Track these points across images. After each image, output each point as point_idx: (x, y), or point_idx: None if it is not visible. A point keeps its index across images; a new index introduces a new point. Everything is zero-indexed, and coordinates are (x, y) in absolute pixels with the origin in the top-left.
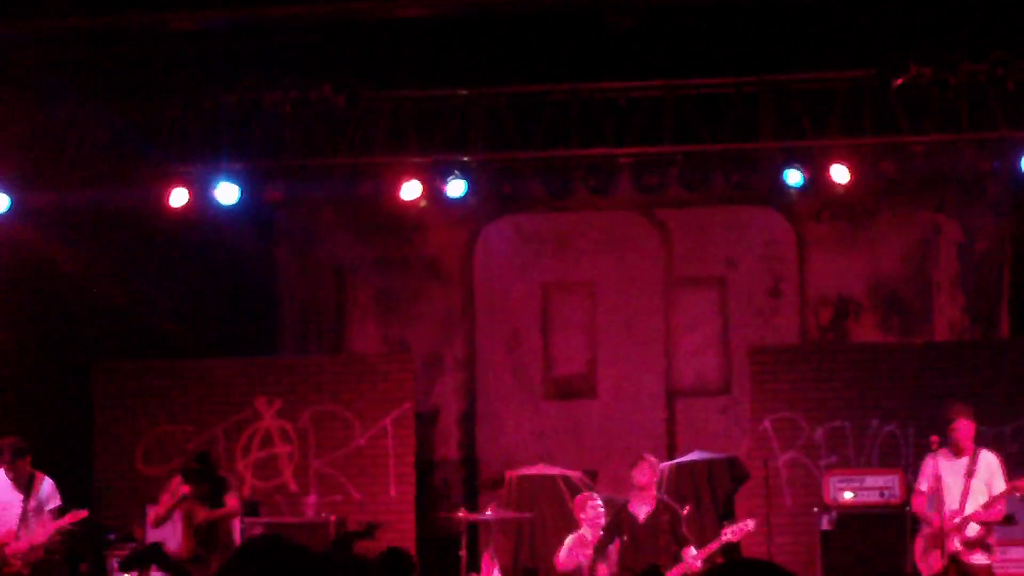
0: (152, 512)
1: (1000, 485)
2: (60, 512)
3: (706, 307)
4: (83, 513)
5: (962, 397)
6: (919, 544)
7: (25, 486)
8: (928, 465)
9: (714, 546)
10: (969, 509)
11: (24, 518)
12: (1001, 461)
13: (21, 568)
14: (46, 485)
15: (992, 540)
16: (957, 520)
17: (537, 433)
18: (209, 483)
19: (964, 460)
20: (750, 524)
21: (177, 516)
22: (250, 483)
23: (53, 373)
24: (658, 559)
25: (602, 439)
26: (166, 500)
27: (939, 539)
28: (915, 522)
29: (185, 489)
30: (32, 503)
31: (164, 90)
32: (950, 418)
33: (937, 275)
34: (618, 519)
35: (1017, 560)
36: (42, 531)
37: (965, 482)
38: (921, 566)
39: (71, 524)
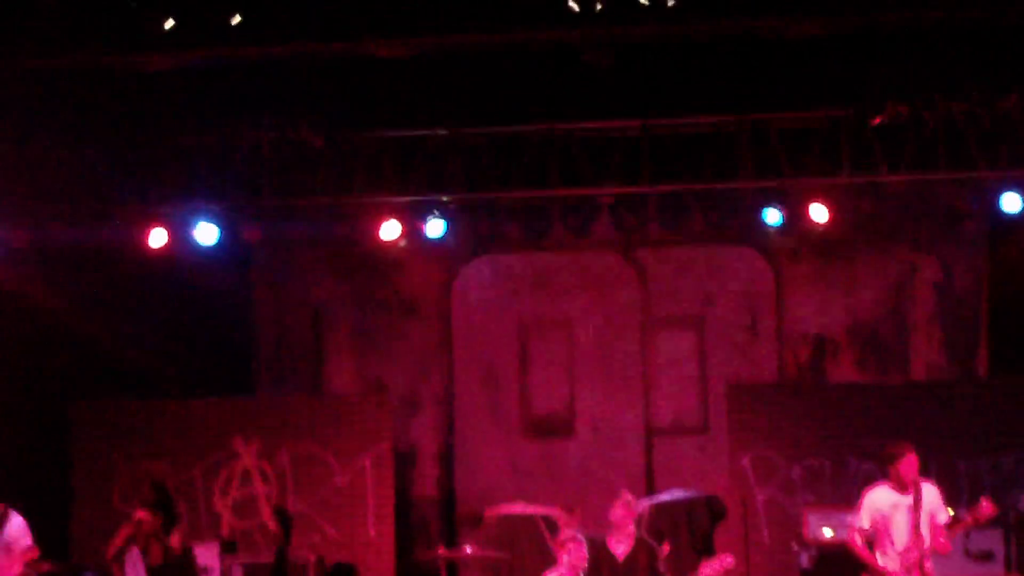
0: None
1: (943, 515)
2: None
3: (684, 346)
4: (33, 553)
5: (939, 435)
6: None
7: None
8: (868, 502)
9: None
10: (924, 544)
11: None
12: (940, 492)
13: None
14: (16, 523)
15: None
16: (914, 556)
17: (515, 471)
18: (164, 514)
19: (909, 495)
20: (728, 560)
21: (138, 556)
22: (228, 522)
23: (30, 412)
24: None
25: (580, 477)
26: (123, 531)
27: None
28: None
29: (141, 515)
30: (1, 542)
31: (142, 130)
32: (895, 453)
33: (915, 313)
34: (596, 558)
35: None
36: (8, 572)
37: (913, 517)
38: None
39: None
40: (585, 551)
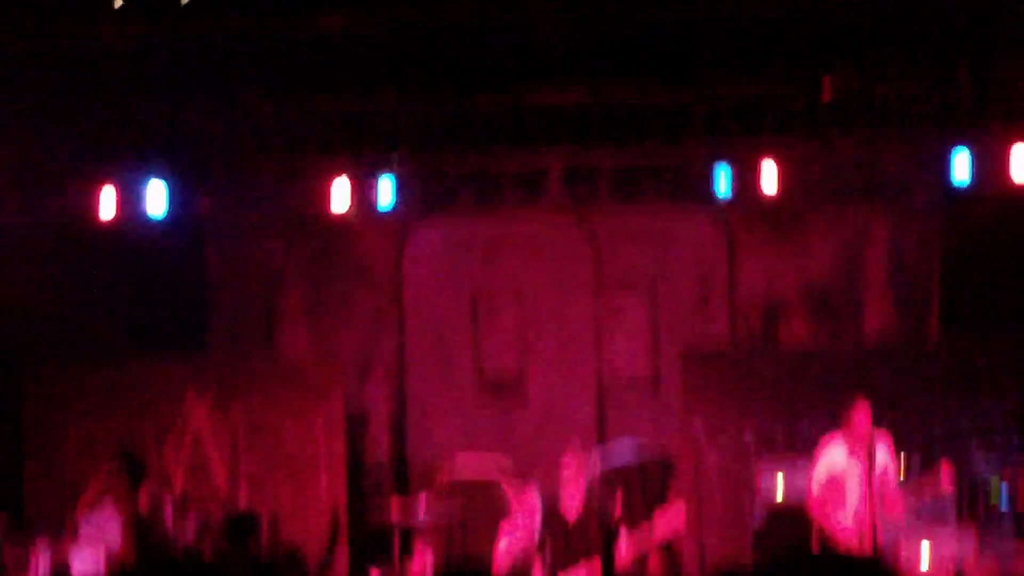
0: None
1: (894, 477)
2: None
3: (636, 313)
4: None
5: (892, 399)
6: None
7: None
8: (824, 459)
9: (646, 543)
10: (877, 509)
11: None
12: (891, 448)
13: None
14: None
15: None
16: (865, 520)
17: (468, 436)
18: (130, 473)
19: (863, 456)
20: (680, 514)
21: (109, 515)
22: (181, 484)
23: None
24: (590, 556)
25: (534, 442)
26: (91, 489)
27: (847, 534)
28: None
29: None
30: None
31: (93, 100)
32: (847, 409)
33: (867, 278)
34: (548, 521)
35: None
36: None
37: (865, 479)
38: None
39: None
40: (537, 503)
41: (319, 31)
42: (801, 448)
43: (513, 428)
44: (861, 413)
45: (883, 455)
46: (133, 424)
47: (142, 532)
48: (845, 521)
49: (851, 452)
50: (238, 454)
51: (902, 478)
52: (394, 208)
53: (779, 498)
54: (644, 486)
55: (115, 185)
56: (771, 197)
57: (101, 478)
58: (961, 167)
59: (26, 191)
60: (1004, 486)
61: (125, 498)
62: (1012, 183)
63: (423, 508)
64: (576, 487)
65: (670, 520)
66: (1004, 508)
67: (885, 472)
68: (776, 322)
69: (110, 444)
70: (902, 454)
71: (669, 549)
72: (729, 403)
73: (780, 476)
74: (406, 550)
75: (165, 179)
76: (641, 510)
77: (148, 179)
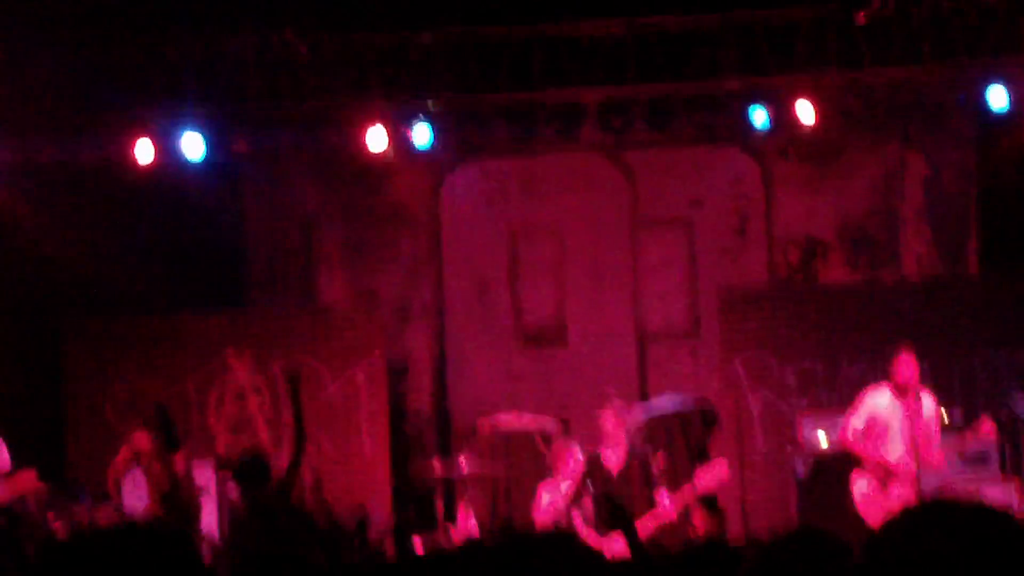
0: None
1: (935, 429)
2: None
3: (673, 249)
4: (30, 473)
5: (930, 334)
6: (860, 486)
7: None
8: (869, 402)
9: (688, 494)
10: (920, 455)
11: None
12: (936, 403)
13: None
14: None
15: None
16: (910, 469)
17: (508, 380)
18: (165, 435)
19: (907, 400)
20: (722, 466)
21: (141, 478)
22: (223, 437)
23: (20, 332)
24: (632, 508)
25: (573, 384)
26: (124, 453)
27: (889, 485)
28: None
29: (139, 435)
30: None
31: (125, 40)
32: (892, 354)
33: (904, 210)
34: (591, 470)
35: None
36: None
37: (909, 426)
38: (866, 512)
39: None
40: (580, 459)
41: None
42: (842, 388)
43: (552, 372)
44: (905, 359)
45: (927, 402)
46: (173, 382)
47: (176, 494)
48: (886, 467)
49: (895, 398)
50: (280, 409)
51: (946, 421)
52: (430, 148)
53: (823, 445)
54: (686, 436)
55: (151, 130)
56: (807, 129)
57: (133, 441)
58: (998, 95)
59: (62, 139)
60: None
61: (158, 460)
62: None
63: (465, 463)
64: (616, 440)
65: (713, 474)
66: None
67: (928, 420)
68: (814, 258)
69: (150, 403)
70: (942, 404)
71: (712, 500)
72: (768, 341)
73: (821, 419)
74: (449, 504)
75: (201, 123)
76: (684, 461)
77: (184, 124)
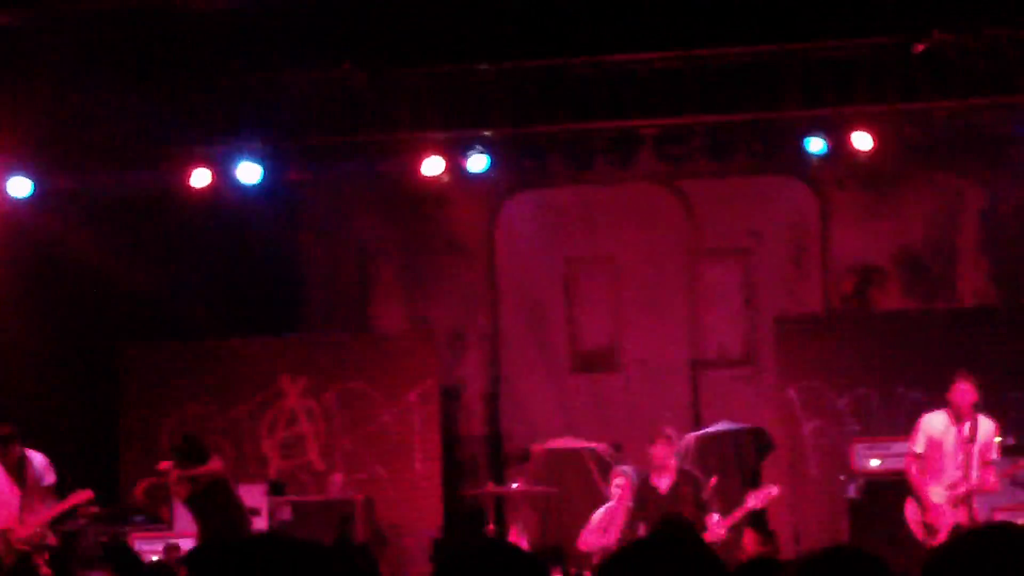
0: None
1: (995, 453)
2: (58, 487)
3: (730, 278)
4: (87, 493)
5: (986, 362)
6: (914, 511)
7: (16, 469)
8: (925, 426)
9: (739, 514)
10: (973, 479)
11: (24, 502)
12: (996, 429)
13: (31, 551)
14: (38, 462)
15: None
16: (961, 491)
17: (562, 407)
18: (194, 461)
19: (964, 426)
20: (774, 490)
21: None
22: (276, 462)
23: (78, 357)
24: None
25: (627, 412)
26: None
27: (940, 510)
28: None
29: (163, 466)
30: (28, 484)
31: (185, 71)
32: (951, 381)
33: (960, 241)
34: (641, 495)
35: None
36: (44, 511)
37: (966, 449)
38: (919, 533)
39: (77, 504)
40: (630, 487)
41: None
42: (896, 414)
43: (606, 399)
44: (963, 387)
45: (984, 427)
46: (228, 407)
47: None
48: (939, 498)
49: (952, 423)
50: (333, 432)
51: (997, 456)
52: (487, 176)
53: (874, 466)
54: (740, 462)
55: (210, 157)
56: (864, 158)
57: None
58: None
59: (122, 163)
60: None
61: (180, 482)
62: None
63: (518, 487)
64: (666, 467)
65: (764, 493)
66: None
67: (984, 444)
68: (869, 286)
69: (204, 425)
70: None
71: (764, 525)
72: (823, 369)
73: (875, 444)
74: (501, 525)
75: (259, 153)
76: (736, 487)
77: (242, 153)
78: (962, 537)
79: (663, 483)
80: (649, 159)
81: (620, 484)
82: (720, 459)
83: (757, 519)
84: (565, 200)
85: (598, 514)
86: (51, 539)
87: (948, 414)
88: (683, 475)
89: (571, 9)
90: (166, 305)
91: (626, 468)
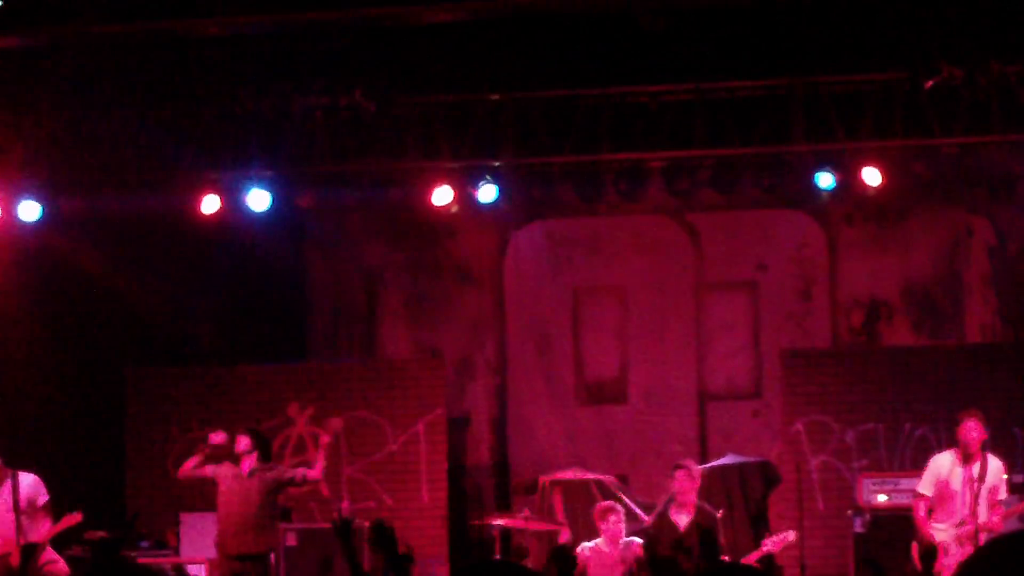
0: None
1: (1003, 492)
2: (55, 506)
3: (737, 311)
4: (77, 516)
5: (994, 398)
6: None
7: (7, 489)
8: (933, 467)
9: (754, 557)
10: (981, 518)
11: (17, 524)
12: (1005, 468)
13: (29, 574)
14: (29, 482)
15: None
16: (968, 529)
17: (569, 438)
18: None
19: (973, 466)
20: (791, 535)
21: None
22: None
23: (85, 379)
24: (697, 568)
25: (634, 443)
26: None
27: (946, 547)
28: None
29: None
30: (22, 505)
31: (195, 97)
32: (958, 418)
33: (969, 277)
34: (659, 527)
35: None
36: (39, 532)
37: (974, 488)
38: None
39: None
40: (623, 523)
41: (423, 25)
42: (903, 450)
43: (613, 431)
44: (971, 425)
45: (993, 466)
46: (235, 433)
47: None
48: (945, 536)
49: (959, 463)
50: (340, 460)
51: (1006, 494)
52: (496, 206)
53: (880, 501)
54: (745, 491)
55: (219, 183)
56: (872, 192)
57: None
58: None
59: (131, 188)
60: None
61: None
62: None
63: (524, 517)
64: (687, 499)
65: (780, 543)
66: None
67: (992, 484)
68: (877, 321)
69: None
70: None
71: (771, 563)
72: (830, 403)
73: (882, 480)
74: (507, 554)
75: (267, 179)
76: (743, 520)
77: (251, 179)
78: (989, 545)
79: (682, 520)
80: (657, 191)
81: (612, 523)
82: (726, 493)
83: (765, 559)
84: (573, 231)
85: (585, 549)
86: (63, 567)
87: (956, 454)
88: (702, 514)
89: (581, 41)
90: (174, 330)
91: (618, 506)
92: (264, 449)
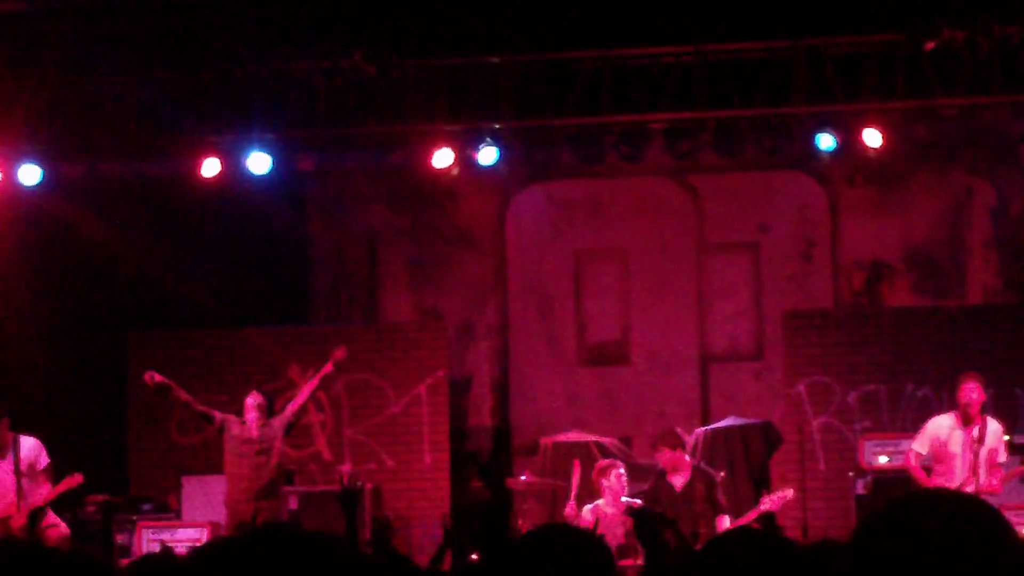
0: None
1: (1003, 455)
2: (56, 470)
3: (739, 272)
4: (78, 478)
5: (996, 360)
6: None
7: (9, 452)
8: (931, 427)
9: (752, 515)
10: (980, 480)
11: (18, 487)
12: (1005, 429)
13: (32, 537)
14: (30, 445)
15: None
16: (969, 492)
17: (570, 400)
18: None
19: (972, 428)
20: (789, 493)
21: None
22: (284, 452)
23: (87, 344)
24: (696, 527)
25: (636, 405)
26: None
27: None
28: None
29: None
30: (23, 468)
31: (196, 60)
32: (958, 382)
33: (970, 238)
34: (656, 488)
35: None
36: (39, 495)
37: (974, 450)
38: None
39: (71, 488)
40: (624, 479)
41: None
42: (905, 411)
43: (615, 393)
44: (970, 387)
45: (992, 428)
46: (237, 397)
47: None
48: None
49: (959, 425)
50: (341, 423)
51: (1006, 456)
52: (496, 168)
53: (882, 463)
54: (748, 456)
55: (220, 146)
56: (873, 156)
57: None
58: None
59: (131, 152)
60: None
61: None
62: None
63: (526, 480)
64: (678, 467)
65: (779, 497)
66: None
67: (992, 446)
68: (879, 282)
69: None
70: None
71: (772, 523)
72: (832, 365)
73: (883, 441)
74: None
75: (268, 142)
76: (745, 482)
77: (252, 143)
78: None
79: (678, 481)
80: (658, 153)
81: (614, 479)
82: (728, 454)
83: (766, 518)
84: (574, 193)
85: (587, 511)
86: (64, 529)
87: (956, 416)
88: (698, 473)
89: (581, 3)
90: (175, 294)
91: (619, 463)
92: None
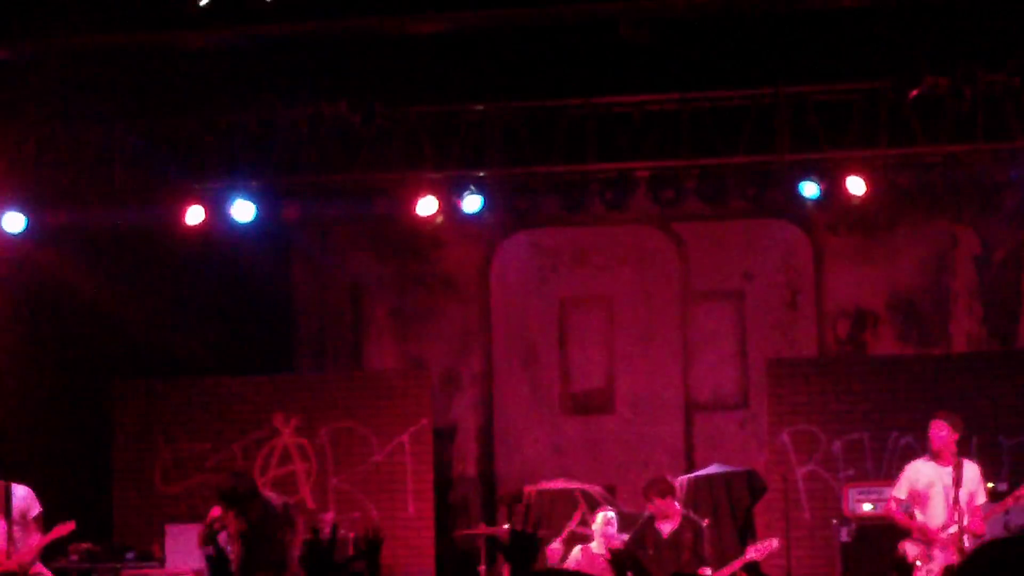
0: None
1: (981, 496)
2: (43, 519)
3: (723, 320)
4: (70, 525)
5: (979, 408)
6: (911, 550)
7: (1, 500)
8: (908, 472)
9: (737, 564)
10: (964, 521)
11: (9, 535)
12: (981, 471)
13: None
14: (22, 494)
15: None
16: (951, 531)
17: (555, 448)
18: (238, 504)
19: (948, 469)
20: (774, 543)
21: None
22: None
23: (71, 392)
24: (682, 573)
25: (620, 454)
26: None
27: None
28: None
29: (213, 513)
30: (15, 517)
31: (180, 108)
32: (930, 424)
33: (955, 286)
34: (643, 532)
35: None
36: (30, 544)
37: (951, 493)
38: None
39: (62, 536)
40: (615, 522)
41: (408, 36)
42: (889, 459)
43: (600, 441)
44: (938, 425)
45: (970, 471)
46: (221, 445)
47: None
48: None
49: (935, 466)
50: (325, 471)
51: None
52: (481, 217)
53: (866, 511)
54: (731, 500)
55: (204, 194)
56: (858, 202)
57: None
58: None
59: (116, 200)
60: None
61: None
62: None
63: (509, 520)
64: (668, 514)
65: (763, 547)
66: None
67: (971, 489)
68: (863, 330)
69: (197, 463)
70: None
71: (757, 566)
72: (816, 413)
73: (867, 489)
74: (492, 564)
75: (253, 191)
76: (729, 530)
77: (236, 191)
78: (988, 545)
79: (666, 527)
80: (643, 201)
81: (607, 526)
82: (712, 502)
83: (750, 567)
84: (559, 241)
85: (576, 551)
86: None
87: (930, 459)
88: (687, 521)
89: (566, 51)
90: (159, 341)
91: (612, 511)
92: (239, 504)
